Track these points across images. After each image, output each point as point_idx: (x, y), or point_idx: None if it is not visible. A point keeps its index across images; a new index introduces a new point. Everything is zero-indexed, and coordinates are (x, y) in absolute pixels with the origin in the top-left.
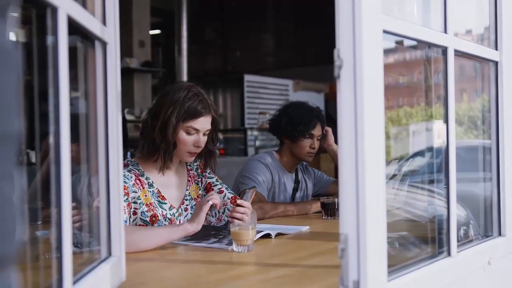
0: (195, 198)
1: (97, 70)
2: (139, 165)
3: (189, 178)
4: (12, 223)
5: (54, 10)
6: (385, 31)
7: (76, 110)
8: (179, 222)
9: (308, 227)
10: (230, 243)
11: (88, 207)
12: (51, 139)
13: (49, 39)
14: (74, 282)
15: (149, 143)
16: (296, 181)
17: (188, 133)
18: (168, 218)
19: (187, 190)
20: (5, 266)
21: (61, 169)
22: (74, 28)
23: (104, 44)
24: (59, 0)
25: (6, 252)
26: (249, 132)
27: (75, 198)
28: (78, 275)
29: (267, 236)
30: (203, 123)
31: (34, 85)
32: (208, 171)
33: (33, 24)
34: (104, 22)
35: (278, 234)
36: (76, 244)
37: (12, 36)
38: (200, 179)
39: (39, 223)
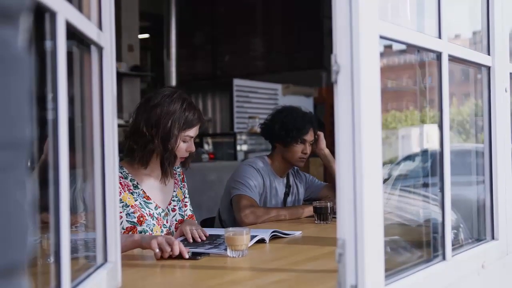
0: (182, 200)
1: (93, 75)
2: (123, 167)
3: (175, 181)
4: (24, 231)
5: (53, 15)
6: (381, 37)
7: (72, 114)
8: (167, 222)
9: (300, 232)
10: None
11: (84, 212)
12: (50, 144)
13: (48, 44)
14: None
15: (148, 153)
16: (288, 186)
17: (184, 141)
18: (155, 217)
19: (174, 191)
20: (19, 273)
21: (59, 175)
22: (71, 32)
23: (100, 49)
24: (58, 5)
25: (19, 260)
26: (238, 137)
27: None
28: (75, 281)
29: (261, 241)
30: (197, 130)
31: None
32: (185, 182)
33: (31, 29)
34: (100, 27)
35: (274, 237)
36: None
37: (23, 42)
38: (182, 185)
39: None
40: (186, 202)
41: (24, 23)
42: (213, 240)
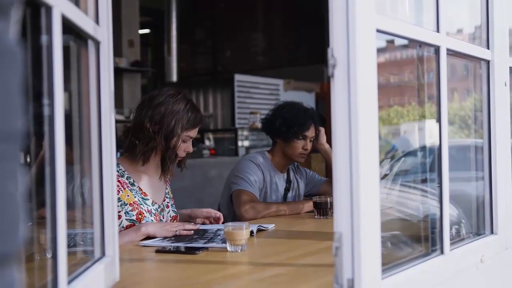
0: (172, 198)
1: (90, 70)
2: (119, 165)
3: (167, 180)
4: (16, 222)
5: (49, 9)
6: (378, 30)
7: (69, 110)
8: (163, 218)
9: (273, 225)
10: (224, 241)
11: (82, 207)
12: (46, 140)
13: (43, 38)
14: (69, 282)
15: (150, 149)
16: (288, 181)
17: (184, 141)
18: (153, 213)
19: (166, 189)
20: (9, 264)
21: (55, 170)
22: (67, 27)
23: (97, 44)
24: None
25: (10, 250)
26: (239, 132)
27: (66, 198)
28: (72, 275)
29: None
30: (196, 131)
31: (26, 85)
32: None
33: (27, 23)
34: (97, 21)
35: (259, 230)
36: (69, 244)
37: (14, 35)
38: (169, 183)
39: (30, 224)
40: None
41: (15, 16)
42: (202, 234)
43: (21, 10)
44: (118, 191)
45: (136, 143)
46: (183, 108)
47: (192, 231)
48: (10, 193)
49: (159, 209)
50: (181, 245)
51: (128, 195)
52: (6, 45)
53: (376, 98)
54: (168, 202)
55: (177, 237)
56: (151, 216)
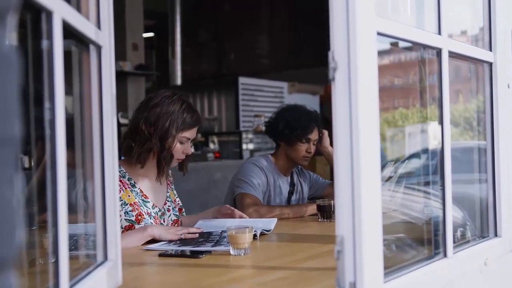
0: (174, 201)
1: (91, 74)
2: (120, 166)
3: (168, 182)
4: (13, 227)
5: (49, 14)
6: (379, 33)
7: (71, 114)
8: (163, 221)
9: (275, 219)
10: (229, 245)
11: (84, 212)
12: (47, 144)
13: (44, 43)
14: (71, 287)
15: (146, 151)
16: (292, 184)
17: (181, 143)
18: (153, 216)
19: (167, 192)
20: (5, 269)
21: (57, 174)
22: (69, 32)
23: (98, 48)
24: (54, 4)
25: (7, 255)
26: (244, 135)
27: (70, 203)
28: (75, 279)
29: (265, 237)
30: (195, 132)
31: (27, 89)
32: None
33: (28, 28)
34: (98, 26)
35: (262, 234)
36: (71, 248)
37: (11, 41)
38: (173, 186)
39: (33, 228)
40: (178, 202)
41: (12, 22)
42: (207, 237)
43: (18, 15)
44: (119, 190)
45: (132, 145)
46: (178, 109)
47: (197, 235)
48: (6, 199)
49: (159, 213)
50: (188, 248)
51: (129, 195)
52: (3, 51)
53: (377, 101)
54: (169, 206)
55: (183, 241)
56: (150, 218)
